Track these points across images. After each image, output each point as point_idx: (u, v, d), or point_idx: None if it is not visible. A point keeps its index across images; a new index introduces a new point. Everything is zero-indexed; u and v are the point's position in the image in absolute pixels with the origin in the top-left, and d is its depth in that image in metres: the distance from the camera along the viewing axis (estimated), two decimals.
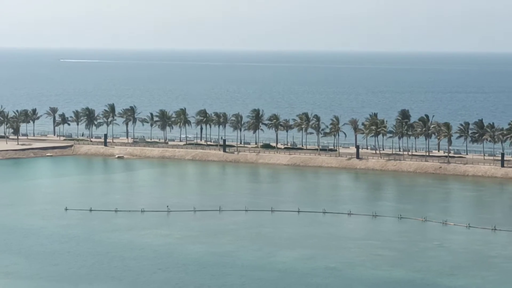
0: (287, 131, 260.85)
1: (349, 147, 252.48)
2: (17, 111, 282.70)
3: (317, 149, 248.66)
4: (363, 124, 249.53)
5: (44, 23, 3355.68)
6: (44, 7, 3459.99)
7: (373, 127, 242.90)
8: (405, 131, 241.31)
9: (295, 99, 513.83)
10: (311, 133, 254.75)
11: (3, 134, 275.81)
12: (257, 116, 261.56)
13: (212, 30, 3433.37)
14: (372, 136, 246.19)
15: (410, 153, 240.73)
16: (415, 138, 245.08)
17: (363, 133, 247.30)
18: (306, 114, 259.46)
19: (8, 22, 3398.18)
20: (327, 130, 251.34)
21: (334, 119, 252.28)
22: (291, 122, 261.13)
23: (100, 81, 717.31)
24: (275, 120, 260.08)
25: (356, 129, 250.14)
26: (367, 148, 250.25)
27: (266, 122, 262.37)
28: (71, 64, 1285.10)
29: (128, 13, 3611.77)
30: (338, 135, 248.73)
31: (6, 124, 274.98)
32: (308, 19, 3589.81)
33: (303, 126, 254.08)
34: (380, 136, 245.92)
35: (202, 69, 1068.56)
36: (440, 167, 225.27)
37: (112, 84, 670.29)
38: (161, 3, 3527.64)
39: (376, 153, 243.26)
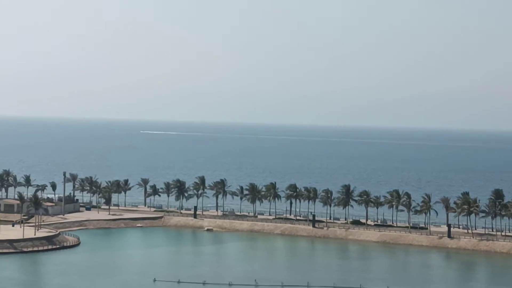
0: (377, 207, 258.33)
1: (440, 226, 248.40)
2: (109, 181, 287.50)
3: (407, 227, 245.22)
4: (455, 202, 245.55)
5: (124, 96, 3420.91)
6: (124, 80, 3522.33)
7: (465, 206, 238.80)
8: (499, 211, 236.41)
9: (384, 176, 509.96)
10: (401, 210, 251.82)
11: (95, 204, 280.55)
12: (347, 191, 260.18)
13: (306, 106, 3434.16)
14: (464, 215, 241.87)
15: (503, 233, 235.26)
16: (509, 219, 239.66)
17: (455, 212, 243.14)
18: (396, 191, 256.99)
19: (93, 93, 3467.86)
20: (418, 208, 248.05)
21: (425, 197, 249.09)
22: (382, 199, 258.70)
23: (187, 154, 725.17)
24: (365, 196, 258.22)
25: (447, 207, 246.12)
26: (459, 227, 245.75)
27: (356, 198, 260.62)
28: (151, 135, 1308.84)
29: (212, 87, 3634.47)
30: (429, 213, 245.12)
31: (99, 194, 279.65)
32: (408, 97, 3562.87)
33: (393, 203, 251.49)
34: (473, 215, 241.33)
35: (294, 144, 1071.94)
36: None
37: (199, 157, 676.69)
38: (265, 81, 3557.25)
39: (468, 232, 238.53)
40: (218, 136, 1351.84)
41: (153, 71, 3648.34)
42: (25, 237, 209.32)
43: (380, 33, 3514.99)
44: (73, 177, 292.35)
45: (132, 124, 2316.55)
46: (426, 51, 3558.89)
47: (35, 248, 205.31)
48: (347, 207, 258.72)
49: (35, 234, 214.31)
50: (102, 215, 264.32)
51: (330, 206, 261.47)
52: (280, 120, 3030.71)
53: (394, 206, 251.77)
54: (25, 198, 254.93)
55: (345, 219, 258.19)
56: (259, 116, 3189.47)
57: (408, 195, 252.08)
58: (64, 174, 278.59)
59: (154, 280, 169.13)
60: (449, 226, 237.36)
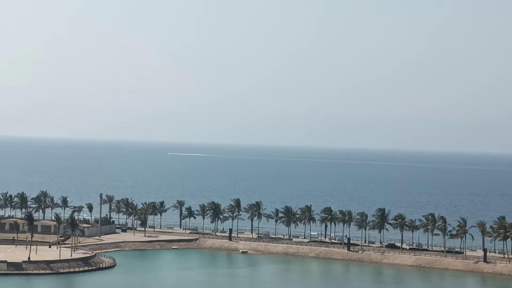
0: (412, 231, 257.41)
1: (476, 250, 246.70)
2: (145, 203, 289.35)
3: (443, 251, 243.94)
4: (491, 227, 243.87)
5: (151, 118, 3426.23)
6: (150, 103, 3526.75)
7: (502, 231, 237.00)
8: None
9: (419, 199, 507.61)
10: (437, 234, 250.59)
11: (131, 226, 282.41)
12: (382, 215, 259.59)
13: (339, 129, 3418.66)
14: (500, 239, 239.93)
15: None
16: None
17: (491, 237, 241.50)
18: (432, 215, 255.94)
19: (120, 116, 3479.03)
20: (454, 232, 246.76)
21: (461, 221, 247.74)
22: (417, 223, 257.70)
23: (219, 176, 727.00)
24: (400, 220, 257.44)
25: (483, 232, 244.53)
26: (495, 252, 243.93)
27: (392, 221, 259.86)
28: (178, 157, 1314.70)
29: (242, 108, 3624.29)
30: (465, 237, 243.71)
31: (135, 216, 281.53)
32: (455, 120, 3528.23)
33: (429, 227, 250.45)
34: (509, 240, 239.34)
35: (326, 167, 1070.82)
36: None
37: (233, 179, 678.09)
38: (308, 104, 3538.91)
39: (504, 257, 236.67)
40: (250, 159, 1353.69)
41: (178, 94, 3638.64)
42: (61, 258, 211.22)
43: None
44: (110, 199, 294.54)
45: (157, 145, 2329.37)
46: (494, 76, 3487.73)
47: (71, 269, 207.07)
48: (382, 230, 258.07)
49: (71, 255, 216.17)
50: (138, 236, 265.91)
51: (365, 229, 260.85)
52: (319, 143, 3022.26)
53: (430, 230, 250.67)
54: (62, 219, 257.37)
55: (380, 243, 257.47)
56: (292, 139, 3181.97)
57: (443, 219, 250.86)
58: (101, 195, 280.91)
59: None
60: (485, 250, 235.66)
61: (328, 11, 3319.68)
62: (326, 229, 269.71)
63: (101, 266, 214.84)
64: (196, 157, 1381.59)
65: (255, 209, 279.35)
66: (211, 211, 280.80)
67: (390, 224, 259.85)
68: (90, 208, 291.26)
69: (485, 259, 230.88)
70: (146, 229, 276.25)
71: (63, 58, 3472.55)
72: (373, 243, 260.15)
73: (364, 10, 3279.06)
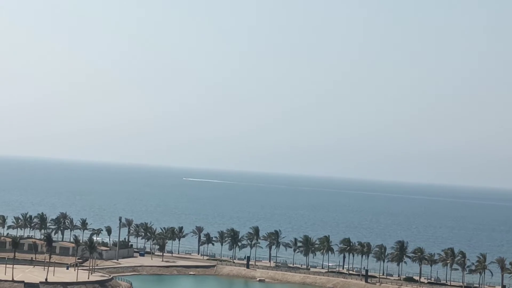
0: (431, 265, 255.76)
1: (494, 287, 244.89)
2: (164, 228, 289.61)
3: (461, 286, 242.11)
4: (510, 263, 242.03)
5: (170, 146, 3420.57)
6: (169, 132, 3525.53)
7: None
8: None
9: (439, 233, 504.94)
10: (456, 269, 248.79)
11: (149, 250, 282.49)
12: (401, 248, 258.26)
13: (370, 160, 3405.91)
14: None
15: None
16: None
17: (510, 273, 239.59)
18: (451, 249, 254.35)
19: (142, 143, 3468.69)
20: (473, 268, 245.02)
21: (480, 256, 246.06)
22: (436, 257, 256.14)
23: (238, 203, 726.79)
24: (419, 253, 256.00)
25: (503, 268, 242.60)
26: None
27: (410, 254, 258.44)
28: (194, 182, 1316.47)
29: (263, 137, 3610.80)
30: (484, 273, 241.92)
31: (153, 240, 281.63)
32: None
33: (448, 261, 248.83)
34: None
35: (346, 197, 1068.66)
36: None
37: (252, 207, 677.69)
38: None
39: None
40: (266, 187, 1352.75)
41: (191, 120, 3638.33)
42: (78, 280, 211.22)
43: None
44: (129, 222, 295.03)
45: (173, 170, 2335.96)
46: None
47: None
48: (400, 263, 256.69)
49: (88, 278, 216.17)
50: (156, 261, 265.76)
51: (384, 261, 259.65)
52: (346, 174, 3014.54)
53: (449, 265, 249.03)
54: (81, 241, 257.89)
55: (398, 276, 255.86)
56: (323, 169, 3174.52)
57: (463, 254, 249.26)
58: (120, 219, 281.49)
59: None
60: (503, 287, 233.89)
61: (362, 49, 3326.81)
62: (344, 260, 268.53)
63: None
64: (212, 183, 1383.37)
65: (274, 238, 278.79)
66: (230, 238, 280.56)
67: (409, 257, 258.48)
68: (108, 231, 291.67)
69: None
70: (164, 254, 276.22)
71: (107, 89, 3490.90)
72: (391, 275, 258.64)
73: (407, 45, 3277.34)
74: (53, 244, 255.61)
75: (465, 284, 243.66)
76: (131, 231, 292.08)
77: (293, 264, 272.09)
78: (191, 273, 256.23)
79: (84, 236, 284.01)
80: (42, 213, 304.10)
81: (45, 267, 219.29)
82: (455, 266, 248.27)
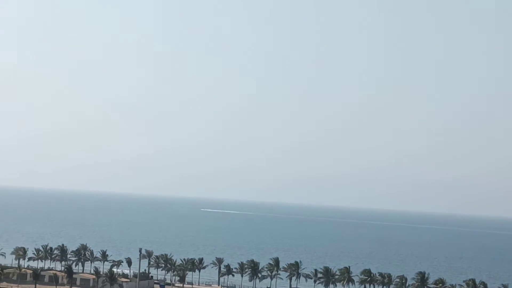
0: None
1: None
2: (184, 259, 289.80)
3: None
4: None
5: (185, 177, 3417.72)
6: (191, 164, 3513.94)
7: None
8: None
9: (460, 264, 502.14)
10: None
11: (169, 281, 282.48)
12: (422, 279, 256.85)
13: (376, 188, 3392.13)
14: None
15: None
16: None
17: None
18: (473, 280, 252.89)
19: (161, 175, 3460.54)
20: None
21: (502, 287, 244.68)
22: None
23: (258, 234, 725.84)
24: (440, 285, 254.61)
25: None
26: None
27: (432, 286, 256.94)
28: (212, 213, 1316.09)
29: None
30: None
31: (173, 272, 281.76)
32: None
33: None
34: None
35: (363, 227, 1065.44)
36: None
37: (270, 237, 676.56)
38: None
39: None
40: (283, 217, 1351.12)
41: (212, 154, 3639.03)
42: None
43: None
44: (149, 254, 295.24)
45: (190, 201, 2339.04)
46: None
47: None
48: None
49: None
50: None
51: None
52: (365, 204, 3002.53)
53: None
54: (101, 273, 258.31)
55: None
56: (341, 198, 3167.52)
57: (484, 285, 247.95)
58: (140, 250, 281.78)
59: None
60: None
61: (379, 82, 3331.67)
62: None
63: None
64: (229, 214, 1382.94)
65: (294, 269, 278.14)
66: (250, 269, 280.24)
67: None
68: (129, 262, 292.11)
69: None
70: (185, 285, 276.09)
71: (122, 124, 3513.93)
72: None
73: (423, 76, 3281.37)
74: (74, 275, 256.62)
75: None
76: (151, 263, 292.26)
77: None
78: None
79: (104, 267, 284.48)
80: (63, 244, 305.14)
81: None
82: None
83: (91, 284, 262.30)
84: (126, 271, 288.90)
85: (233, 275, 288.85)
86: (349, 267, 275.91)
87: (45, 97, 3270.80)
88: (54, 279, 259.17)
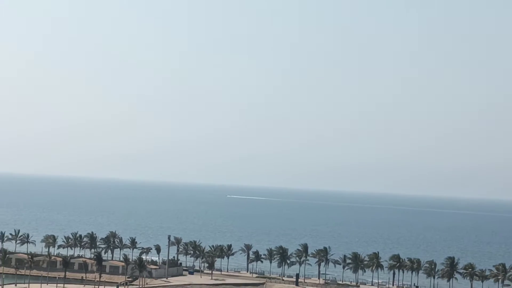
0: (482, 281, 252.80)
1: None
2: (212, 246, 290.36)
3: None
4: None
5: (213, 164, 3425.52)
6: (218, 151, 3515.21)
7: None
8: None
9: (488, 249, 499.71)
10: (507, 285, 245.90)
11: (198, 268, 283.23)
12: (451, 264, 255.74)
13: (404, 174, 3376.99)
14: None
15: None
16: None
17: None
18: (503, 265, 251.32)
19: (187, 163, 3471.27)
20: None
21: None
22: (487, 273, 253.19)
23: (285, 220, 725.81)
24: (470, 269, 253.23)
25: None
26: None
27: (461, 271, 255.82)
28: (238, 199, 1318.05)
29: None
30: None
31: (202, 258, 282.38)
32: None
33: (499, 277, 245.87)
34: None
35: (392, 213, 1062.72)
36: None
37: (300, 224, 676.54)
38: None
39: None
40: (310, 203, 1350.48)
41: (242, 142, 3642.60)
42: None
43: None
44: (177, 241, 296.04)
45: (216, 188, 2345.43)
46: None
47: None
48: (451, 279, 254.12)
49: None
50: (205, 279, 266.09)
51: (434, 278, 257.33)
52: (394, 190, 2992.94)
53: (500, 281, 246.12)
54: (130, 260, 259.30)
55: None
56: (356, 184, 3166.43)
57: None
58: (169, 237, 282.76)
59: None
60: None
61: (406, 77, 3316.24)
62: (394, 277, 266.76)
63: None
64: (255, 200, 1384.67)
65: (323, 255, 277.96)
66: (279, 256, 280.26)
67: (460, 273, 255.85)
68: (158, 249, 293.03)
69: None
70: (213, 271, 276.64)
71: (151, 114, 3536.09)
72: None
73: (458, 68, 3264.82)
74: (103, 263, 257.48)
75: None
76: (180, 250, 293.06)
77: (342, 281, 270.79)
78: None
79: (133, 254, 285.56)
80: (92, 232, 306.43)
81: (96, 286, 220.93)
82: (506, 282, 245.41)
83: (120, 271, 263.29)
84: (155, 258, 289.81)
85: (261, 261, 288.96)
86: (378, 252, 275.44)
87: (77, 89, 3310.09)
88: (83, 267, 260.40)
